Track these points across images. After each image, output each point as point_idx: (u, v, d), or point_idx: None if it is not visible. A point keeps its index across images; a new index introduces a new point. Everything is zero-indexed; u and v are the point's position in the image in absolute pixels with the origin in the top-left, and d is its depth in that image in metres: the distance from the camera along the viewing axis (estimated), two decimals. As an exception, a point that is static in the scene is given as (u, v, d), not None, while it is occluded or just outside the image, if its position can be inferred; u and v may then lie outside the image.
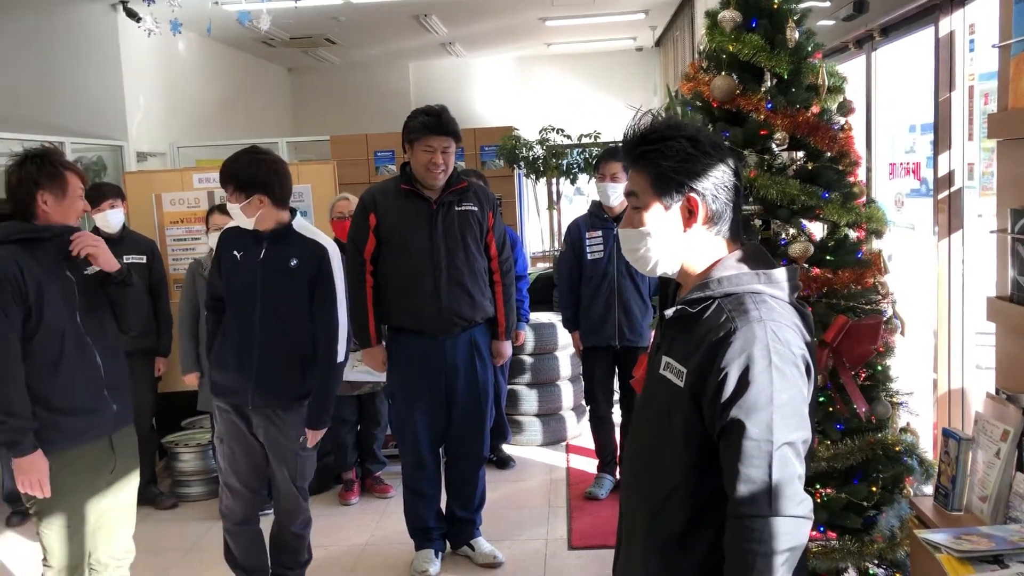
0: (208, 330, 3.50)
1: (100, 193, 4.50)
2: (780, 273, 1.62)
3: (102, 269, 2.86)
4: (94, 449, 2.87)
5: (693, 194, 1.62)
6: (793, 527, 1.50)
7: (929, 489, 2.80)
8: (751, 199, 2.74)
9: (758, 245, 1.72)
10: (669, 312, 1.65)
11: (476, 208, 3.75)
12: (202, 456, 4.95)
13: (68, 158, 3.13)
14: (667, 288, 1.81)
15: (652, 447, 1.68)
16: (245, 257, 3.29)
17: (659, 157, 1.62)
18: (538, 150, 7.46)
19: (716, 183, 1.62)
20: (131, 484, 3.03)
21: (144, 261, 4.60)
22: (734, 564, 1.52)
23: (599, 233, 4.53)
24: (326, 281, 3.27)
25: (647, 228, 1.66)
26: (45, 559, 2.88)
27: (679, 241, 1.66)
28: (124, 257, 4.01)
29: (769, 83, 2.80)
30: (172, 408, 5.14)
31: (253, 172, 3.20)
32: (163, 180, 5.65)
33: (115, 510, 2.97)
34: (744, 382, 1.51)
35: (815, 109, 2.80)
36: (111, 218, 4.51)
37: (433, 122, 3.61)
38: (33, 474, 2.72)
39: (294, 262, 3.25)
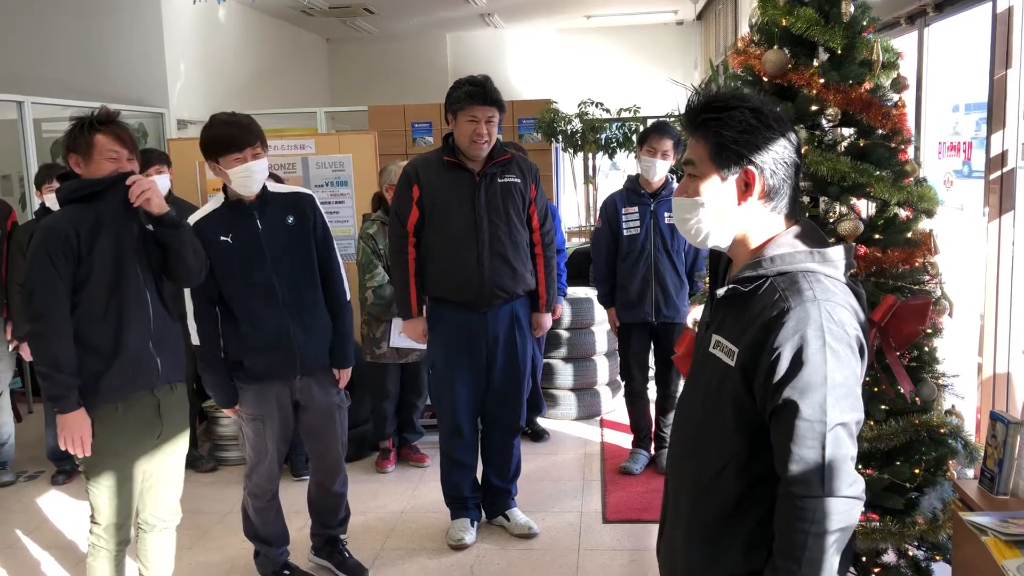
0: (203, 332, 3.23)
1: (146, 159, 4.57)
2: (835, 252, 1.60)
3: (152, 214, 2.84)
4: (140, 408, 2.90)
5: (751, 167, 1.60)
6: (844, 507, 1.51)
7: (972, 472, 2.78)
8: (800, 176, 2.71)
9: (812, 223, 1.69)
10: (721, 291, 1.64)
11: (519, 180, 3.74)
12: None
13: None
14: (717, 264, 1.80)
15: (701, 425, 1.68)
16: (239, 236, 3.18)
17: (721, 126, 1.60)
18: (576, 124, 7.41)
19: (776, 158, 1.60)
20: (179, 449, 3.06)
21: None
22: (784, 543, 1.53)
23: (635, 209, 4.50)
24: (324, 225, 3.34)
25: (701, 198, 1.64)
26: (92, 516, 2.95)
27: (732, 214, 1.63)
28: None
29: (822, 58, 2.76)
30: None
31: (260, 128, 3.22)
32: (206, 148, 5.69)
33: (163, 473, 3.02)
34: (798, 362, 1.50)
35: (868, 85, 2.75)
36: (157, 183, 4.57)
37: (477, 91, 3.60)
38: (76, 431, 2.77)
39: (291, 219, 3.25)
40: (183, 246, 2.91)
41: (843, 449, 1.51)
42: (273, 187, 3.31)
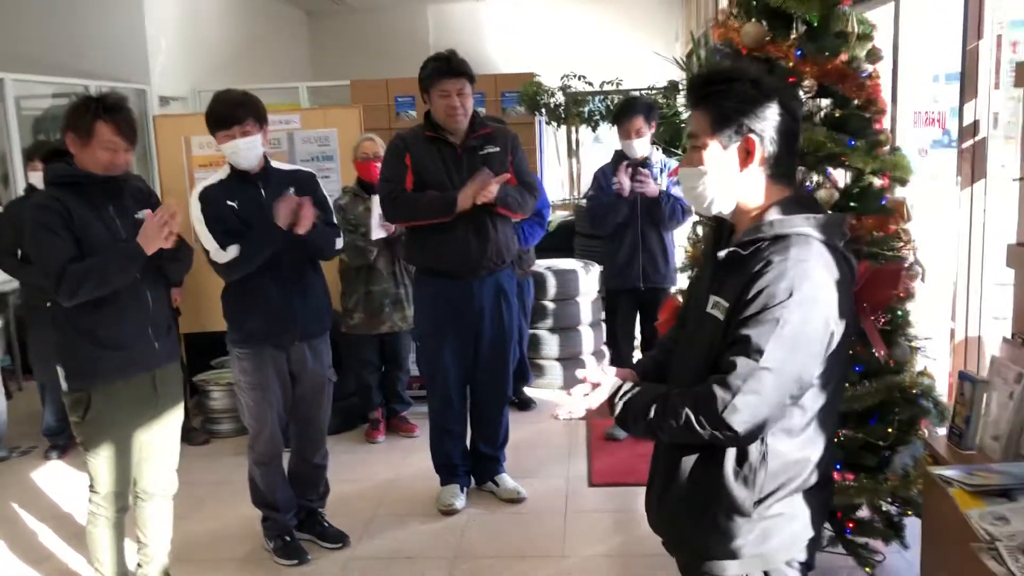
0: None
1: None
2: (829, 219, 1.70)
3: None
4: (137, 385, 2.96)
5: (751, 135, 1.69)
6: (709, 437, 1.64)
7: (943, 431, 2.89)
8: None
9: (809, 192, 1.79)
10: (722, 254, 1.72)
11: (499, 149, 3.80)
12: (232, 395, 5.08)
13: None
14: (720, 230, 1.89)
15: (694, 384, 1.75)
16: (243, 203, 3.29)
17: (721, 97, 1.69)
18: (559, 97, 7.45)
19: (775, 126, 1.69)
20: (174, 421, 3.13)
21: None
22: (674, 403, 1.69)
23: (623, 177, 4.57)
24: (325, 200, 3.48)
25: (704, 167, 1.73)
26: (91, 485, 3.01)
27: (735, 180, 1.72)
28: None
29: (798, 30, 2.83)
30: (201, 348, 5.26)
31: (261, 104, 3.32)
32: (192, 124, 5.69)
33: (159, 443, 3.09)
34: (762, 306, 1.60)
35: (843, 57, 2.82)
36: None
37: (443, 66, 3.66)
38: (153, 227, 2.78)
39: (292, 191, 3.33)
40: (173, 271, 3.05)
41: (763, 394, 1.60)
42: (276, 164, 3.45)
